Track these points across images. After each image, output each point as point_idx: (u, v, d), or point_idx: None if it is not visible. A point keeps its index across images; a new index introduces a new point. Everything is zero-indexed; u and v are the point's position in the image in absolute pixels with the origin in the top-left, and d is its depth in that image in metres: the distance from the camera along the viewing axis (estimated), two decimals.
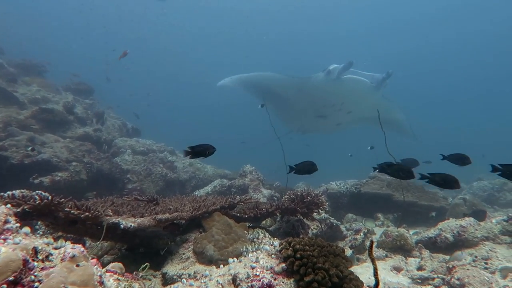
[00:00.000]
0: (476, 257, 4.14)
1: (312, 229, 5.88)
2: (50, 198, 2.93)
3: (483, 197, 9.95)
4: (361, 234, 5.14)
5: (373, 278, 1.68)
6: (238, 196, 4.69)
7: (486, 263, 3.95)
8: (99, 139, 9.04)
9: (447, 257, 4.23)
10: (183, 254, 3.60)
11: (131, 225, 3.28)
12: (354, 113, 12.18)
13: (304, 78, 11.21)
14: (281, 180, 10.02)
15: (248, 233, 4.07)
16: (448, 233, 4.62)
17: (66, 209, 3.02)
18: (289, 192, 5.01)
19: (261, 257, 2.71)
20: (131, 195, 4.06)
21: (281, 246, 2.72)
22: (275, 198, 7.84)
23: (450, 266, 3.71)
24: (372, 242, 1.61)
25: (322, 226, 5.97)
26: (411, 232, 6.33)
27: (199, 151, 3.62)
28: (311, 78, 11.21)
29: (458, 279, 3.31)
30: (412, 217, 7.55)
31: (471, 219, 4.79)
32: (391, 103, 11.78)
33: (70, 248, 1.86)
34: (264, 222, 5.75)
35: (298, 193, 4.81)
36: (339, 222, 6.32)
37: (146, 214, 3.60)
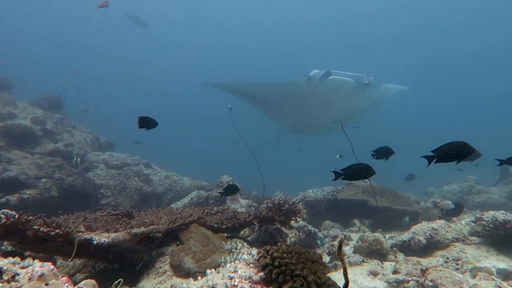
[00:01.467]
0: (447, 258, 4.28)
1: (290, 237, 5.90)
2: (17, 216, 2.81)
3: (453, 200, 10.31)
4: (338, 240, 5.19)
5: (344, 279, 1.71)
6: (215, 207, 4.65)
7: (457, 264, 4.09)
8: (70, 154, 8.76)
9: (421, 259, 4.35)
10: (160, 268, 3.52)
11: (104, 241, 3.18)
12: (344, 110, 12.58)
13: (286, 84, 11.52)
14: (259, 189, 10.05)
15: (226, 244, 4.03)
16: (421, 236, 4.76)
17: (35, 227, 2.90)
18: (266, 200, 5.02)
19: (239, 267, 2.70)
20: (105, 210, 3.94)
21: (259, 255, 2.72)
22: (253, 208, 7.82)
23: (423, 268, 3.81)
24: (341, 242, 1.64)
25: (300, 234, 6.01)
26: (386, 236, 6.47)
27: (147, 122, 3.90)
28: (294, 83, 11.53)
29: (431, 281, 3.40)
30: (387, 222, 7.72)
31: (442, 221, 4.97)
32: (376, 91, 12.18)
33: (38, 266, 1.79)
34: (242, 232, 5.71)
35: (276, 202, 4.83)
36: (317, 230, 6.37)
37: (120, 229, 3.51)
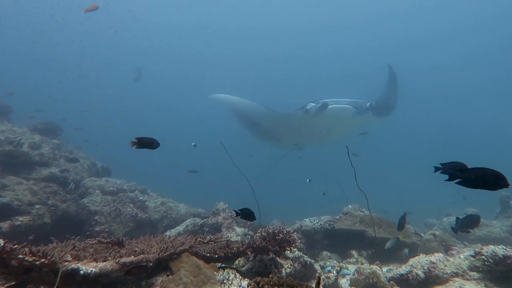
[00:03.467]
0: None
1: (285, 268, 5.75)
2: (2, 244, 2.74)
3: (453, 232, 10.14)
4: (334, 272, 5.07)
5: None
6: (208, 236, 4.57)
7: None
8: (66, 180, 8.71)
9: None
10: None
11: (92, 271, 3.10)
12: (346, 134, 12.70)
13: (284, 114, 11.35)
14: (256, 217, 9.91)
15: (218, 274, 3.93)
16: (419, 269, 4.65)
17: (20, 256, 2.83)
18: (261, 229, 4.94)
19: None
20: (95, 238, 3.87)
21: (249, 287, 2.65)
22: (249, 236, 7.69)
23: None
24: (319, 277, 1.60)
25: (296, 265, 5.86)
26: (384, 269, 6.31)
27: (145, 142, 3.92)
28: (291, 115, 11.35)
29: None
30: (386, 254, 7.55)
31: (440, 254, 4.86)
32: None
33: None
34: (237, 262, 5.58)
35: (270, 231, 4.74)
36: (313, 260, 6.23)
37: (109, 258, 3.43)
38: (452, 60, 36.64)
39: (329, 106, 10.59)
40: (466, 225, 6.19)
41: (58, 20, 27.75)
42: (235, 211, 4.54)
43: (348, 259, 7.38)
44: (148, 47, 35.73)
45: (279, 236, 4.66)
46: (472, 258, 4.60)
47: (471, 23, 33.64)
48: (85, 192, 8.97)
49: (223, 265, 4.92)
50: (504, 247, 4.44)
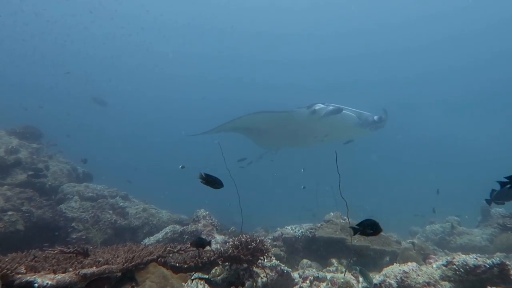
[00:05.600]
0: None
1: (261, 277, 5.68)
2: None
3: (435, 240, 10.20)
4: (307, 282, 5.01)
5: None
6: (179, 245, 4.49)
7: None
8: (43, 185, 8.53)
9: None
10: None
11: (47, 283, 2.99)
12: (338, 142, 12.35)
13: (285, 112, 10.72)
14: (239, 224, 9.79)
15: (186, 285, 3.85)
16: (392, 279, 4.62)
17: None
18: (233, 238, 4.87)
19: None
20: (56, 248, 3.76)
21: None
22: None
23: None
24: None
25: (272, 274, 5.79)
26: (361, 278, 6.29)
27: (211, 181, 4.20)
28: (294, 112, 10.75)
29: None
30: (367, 262, 7.52)
31: (414, 264, 4.84)
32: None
33: None
34: (214, 270, 5.49)
35: (243, 239, 4.68)
36: (290, 269, 6.16)
37: (70, 269, 3.32)
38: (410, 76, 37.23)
39: (343, 112, 10.12)
40: (502, 197, 6.01)
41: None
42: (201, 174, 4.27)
43: (328, 268, 7.33)
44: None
45: (251, 245, 4.60)
46: (444, 268, 4.58)
47: (426, 43, 34.48)
48: (63, 198, 8.79)
49: (199, 274, 4.85)
50: (475, 256, 4.44)
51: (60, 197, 8.82)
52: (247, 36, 38.30)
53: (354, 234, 3.48)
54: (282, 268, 5.94)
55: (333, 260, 7.45)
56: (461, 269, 4.39)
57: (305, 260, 7.52)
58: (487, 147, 36.18)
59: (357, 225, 3.47)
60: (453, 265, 4.51)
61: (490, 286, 4.13)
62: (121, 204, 9.55)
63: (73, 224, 8.02)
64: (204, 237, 4.22)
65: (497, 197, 6.06)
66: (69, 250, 3.71)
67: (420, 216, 13.20)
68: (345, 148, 13.20)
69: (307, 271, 6.86)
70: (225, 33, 37.49)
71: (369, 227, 3.41)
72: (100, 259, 3.60)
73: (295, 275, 6.57)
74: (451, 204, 13.79)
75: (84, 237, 7.91)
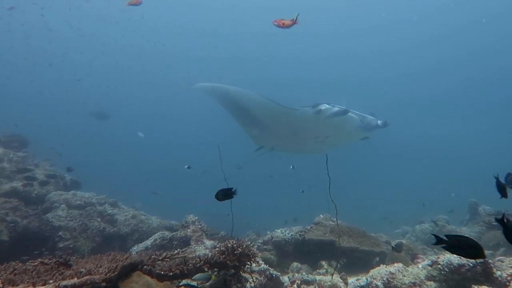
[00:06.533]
0: None
1: (250, 282, 5.66)
2: None
3: (425, 239, 10.29)
4: (295, 285, 5.02)
5: None
6: (164, 252, 4.45)
7: None
8: (29, 194, 8.41)
9: None
10: None
11: None
12: (336, 144, 12.29)
13: (289, 109, 10.38)
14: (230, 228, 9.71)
15: None
16: (379, 280, 4.64)
17: None
18: (220, 244, 4.85)
19: None
20: (37, 259, 3.70)
21: None
22: None
23: None
24: None
25: (261, 279, 5.78)
26: (352, 279, 6.30)
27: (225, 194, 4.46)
28: (297, 111, 10.44)
29: None
30: (356, 263, 7.56)
31: (400, 264, 4.87)
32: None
33: None
34: None
35: (229, 245, 4.66)
36: (279, 273, 6.15)
37: (50, 281, 3.28)
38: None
39: (349, 114, 9.89)
40: None
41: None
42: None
43: (318, 270, 7.34)
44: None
45: (238, 250, 4.58)
46: (429, 268, 4.63)
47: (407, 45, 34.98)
48: (50, 206, 8.66)
49: (187, 282, 4.82)
50: (459, 256, 4.48)
51: (47, 205, 8.69)
52: (247, 36, 38.26)
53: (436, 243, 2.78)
54: (271, 272, 5.93)
55: (323, 263, 7.46)
56: (446, 269, 4.44)
57: (295, 263, 7.52)
58: (471, 145, 36.59)
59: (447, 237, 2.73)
60: (438, 264, 4.56)
61: (474, 284, 4.18)
62: (109, 211, 9.45)
63: (60, 233, 7.91)
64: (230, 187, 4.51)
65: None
66: (50, 261, 3.66)
67: (390, 222, 13.39)
68: (336, 150, 13.20)
69: (296, 275, 6.87)
70: (225, 33, 37.35)
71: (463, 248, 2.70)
72: (82, 269, 3.55)
73: (284, 278, 6.56)
74: (440, 203, 13.93)
75: (71, 246, 7.81)
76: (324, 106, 10.02)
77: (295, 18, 5.85)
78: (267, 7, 34.14)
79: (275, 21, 5.87)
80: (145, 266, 4.07)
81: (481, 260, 4.28)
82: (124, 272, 3.74)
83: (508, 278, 4.14)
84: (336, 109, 9.89)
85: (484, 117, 36.25)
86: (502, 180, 3.80)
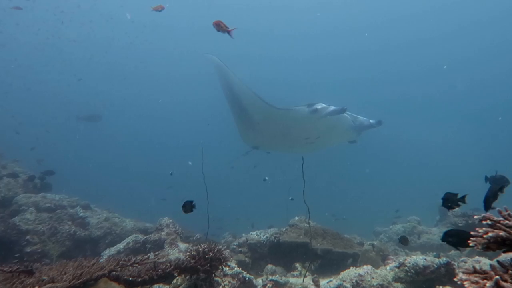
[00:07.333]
0: None
1: (222, 286, 5.64)
2: None
3: (397, 240, 10.50)
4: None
5: None
6: (134, 257, 4.37)
7: None
8: None
9: None
10: None
11: None
12: (326, 146, 12.23)
13: (283, 110, 10.24)
14: (211, 229, 9.59)
15: None
16: (348, 283, 4.73)
17: None
18: (190, 248, 4.82)
19: None
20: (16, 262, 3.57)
21: None
22: None
23: None
24: None
25: (234, 282, 5.78)
26: (325, 281, 6.39)
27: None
28: (291, 111, 10.30)
29: None
30: (330, 265, 7.65)
31: (369, 266, 4.98)
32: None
33: None
34: (175, 280, 5.40)
35: (200, 249, 4.63)
36: (252, 277, 6.17)
37: None
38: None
39: (346, 113, 9.84)
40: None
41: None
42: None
43: (292, 272, 7.40)
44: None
45: (209, 254, 4.57)
46: (396, 269, 4.75)
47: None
48: (18, 209, 8.35)
49: (160, 286, 4.76)
50: (424, 257, 4.63)
51: (14, 209, 8.38)
52: (246, 36, 38.13)
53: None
54: (244, 275, 5.95)
55: (297, 265, 7.52)
56: (412, 270, 4.56)
57: (269, 266, 7.53)
58: (440, 150, 37.70)
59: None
60: (404, 266, 4.68)
61: (438, 285, 4.32)
62: (81, 214, 9.22)
63: (27, 237, 7.65)
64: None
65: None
66: (10, 269, 3.52)
67: (342, 219, 13.68)
68: (320, 152, 13.22)
69: (270, 277, 6.90)
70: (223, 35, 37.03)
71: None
72: (45, 277, 3.45)
73: (258, 281, 6.59)
74: (412, 204, 14.32)
75: (39, 250, 7.57)
76: (320, 105, 9.95)
77: (231, 29, 6.10)
78: (265, 7, 34.57)
79: (215, 22, 6.11)
80: (113, 272, 3.98)
81: (445, 261, 4.42)
82: (90, 279, 3.65)
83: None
84: (332, 107, 9.82)
85: (455, 123, 37.51)
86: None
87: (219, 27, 6.07)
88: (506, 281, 1.57)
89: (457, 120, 37.34)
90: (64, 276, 3.57)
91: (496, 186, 3.65)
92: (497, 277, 1.55)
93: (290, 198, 11.33)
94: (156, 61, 38.14)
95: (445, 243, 3.38)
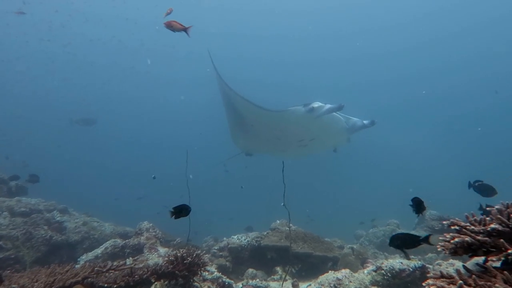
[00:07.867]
0: None
1: None
2: None
3: (377, 243, 10.67)
4: None
5: None
6: (110, 263, 4.29)
7: None
8: None
9: None
10: None
11: None
12: (319, 149, 12.03)
13: (279, 112, 10.00)
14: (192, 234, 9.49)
15: None
16: (326, 287, 4.76)
17: None
18: (168, 253, 4.76)
19: None
20: None
21: None
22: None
23: None
24: None
25: (214, 287, 5.75)
26: (304, 285, 6.42)
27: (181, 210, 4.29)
28: (287, 112, 10.03)
29: None
30: (311, 269, 7.69)
31: (347, 270, 5.03)
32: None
33: None
34: (153, 286, 5.32)
35: (178, 254, 4.59)
36: (232, 281, 6.15)
37: None
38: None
39: (334, 114, 9.63)
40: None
41: None
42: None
43: (272, 276, 7.40)
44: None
45: (187, 259, 4.53)
46: (374, 273, 4.81)
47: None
48: None
49: None
50: (401, 261, 4.70)
51: None
52: (246, 37, 38.04)
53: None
54: (224, 280, 5.93)
55: (278, 268, 7.53)
56: (388, 274, 4.63)
57: (250, 270, 7.52)
58: (415, 154, 38.60)
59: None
60: (381, 270, 4.75)
61: None
62: (58, 218, 8.99)
63: (0, 243, 7.40)
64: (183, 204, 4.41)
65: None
66: None
67: (311, 220, 13.84)
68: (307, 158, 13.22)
69: (251, 281, 6.88)
70: (224, 34, 36.84)
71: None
72: (15, 285, 3.34)
73: (238, 285, 6.56)
74: (391, 208, 14.54)
75: (13, 256, 7.32)
76: (316, 104, 9.75)
77: (188, 27, 6.04)
78: (264, 9, 34.73)
79: (166, 23, 6.04)
80: (87, 279, 3.89)
81: (420, 265, 4.51)
82: (63, 287, 3.55)
83: None
84: (329, 105, 9.61)
85: (427, 129, 38.50)
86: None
87: (173, 27, 5.96)
88: (470, 285, 1.62)
89: (429, 127, 38.32)
90: (35, 284, 3.47)
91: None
92: (460, 281, 1.59)
93: (282, 204, 11.29)
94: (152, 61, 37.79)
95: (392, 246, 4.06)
